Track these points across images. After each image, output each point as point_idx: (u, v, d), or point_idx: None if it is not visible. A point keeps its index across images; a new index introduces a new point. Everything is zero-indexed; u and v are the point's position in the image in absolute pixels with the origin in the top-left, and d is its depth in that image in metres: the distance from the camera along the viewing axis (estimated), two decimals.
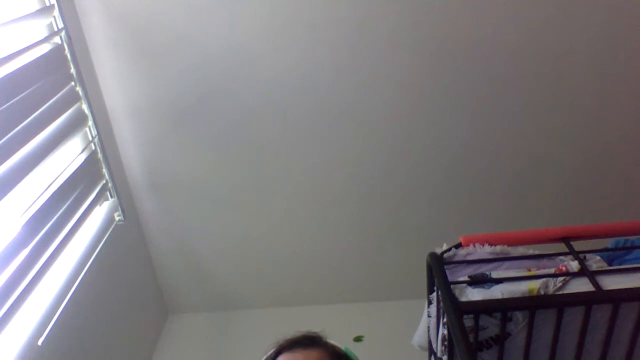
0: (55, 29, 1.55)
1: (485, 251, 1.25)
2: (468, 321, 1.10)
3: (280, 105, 1.87)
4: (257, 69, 1.81)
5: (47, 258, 1.36)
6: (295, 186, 2.05)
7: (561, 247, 1.26)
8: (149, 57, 1.79)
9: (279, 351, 0.96)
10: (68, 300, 1.47)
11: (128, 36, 1.76)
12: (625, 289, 1.09)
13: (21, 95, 1.32)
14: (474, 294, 1.13)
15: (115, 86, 1.84)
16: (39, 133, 1.39)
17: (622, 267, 1.20)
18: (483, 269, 1.21)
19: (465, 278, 1.18)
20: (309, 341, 0.97)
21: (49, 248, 1.38)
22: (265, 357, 0.98)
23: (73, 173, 1.55)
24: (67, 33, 1.56)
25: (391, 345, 1.93)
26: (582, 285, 1.12)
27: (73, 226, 1.51)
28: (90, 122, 1.67)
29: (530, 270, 1.19)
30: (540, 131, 1.92)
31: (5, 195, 1.21)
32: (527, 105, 1.87)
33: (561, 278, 1.13)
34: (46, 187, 1.43)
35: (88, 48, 1.77)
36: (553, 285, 1.12)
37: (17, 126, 1.30)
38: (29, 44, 1.39)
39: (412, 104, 1.87)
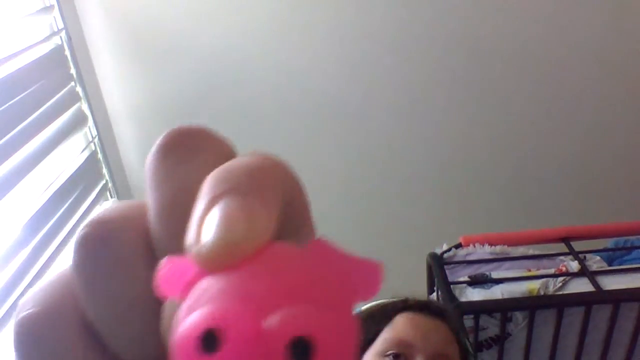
0: (55, 29, 1.55)
1: (485, 251, 1.25)
2: (468, 321, 1.11)
3: (280, 106, 1.87)
4: (258, 69, 1.81)
5: (47, 258, 1.36)
6: None
7: (561, 247, 1.26)
8: (149, 57, 1.79)
9: (404, 307, 0.85)
10: None
11: (128, 36, 1.76)
12: (625, 289, 1.09)
13: (21, 95, 1.33)
14: (474, 294, 1.13)
15: (115, 86, 1.84)
16: (39, 133, 1.39)
17: (622, 267, 1.20)
18: (483, 269, 1.21)
19: (465, 278, 1.18)
20: (439, 312, 0.85)
21: (49, 248, 1.38)
22: (383, 301, 0.88)
23: (73, 173, 1.55)
24: (67, 33, 1.56)
25: None
26: (582, 286, 1.12)
27: (73, 226, 1.51)
28: (90, 122, 1.67)
29: (530, 271, 1.20)
30: (540, 131, 1.92)
31: (5, 195, 1.21)
32: (527, 105, 1.87)
33: (561, 278, 1.13)
34: (46, 187, 1.43)
35: (88, 48, 1.77)
36: (553, 285, 1.12)
37: (17, 126, 1.30)
38: (29, 44, 1.39)
39: (411, 102, 1.87)
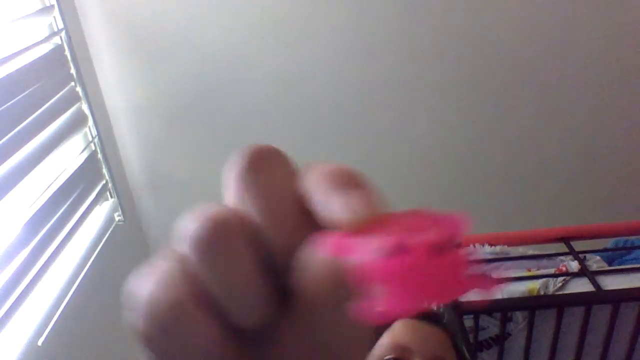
0: (55, 29, 1.55)
1: (485, 251, 1.25)
2: (468, 321, 1.11)
3: (281, 104, 1.87)
4: (258, 69, 1.81)
5: (47, 258, 1.36)
6: None
7: (561, 247, 1.26)
8: (149, 57, 1.79)
9: None
10: (68, 301, 1.47)
11: (128, 36, 1.76)
12: (625, 289, 1.09)
13: (21, 95, 1.33)
14: (474, 294, 1.13)
15: (115, 86, 1.84)
16: (39, 133, 1.39)
17: (622, 267, 1.20)
18: (483, 269, 1.21)
19: None
20: (437, 318, 0.88)
21: (49, 248, 1.38)
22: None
23: (73, 173, 1.55)
24: (67, 33, 1.56)
25: None
26: (582, 286, 1.12)
27: (73, 226, 1.51)
28: (90, 122, 1.67)
29: (530, 271, 1.20)
30: (540, 131, 1.92)
31: (5, 195, 1.21)
32: (527, 106, 1.87)
33: (561, 278, 1.13)
34: (46, 187, 1.43)
35: (88, 48, 1.77)
36: (553, 285, 1.12)
37: (17, 126, 1.30)
38: (29, 44, 1.39)
39: (412, 103, 1.87)
